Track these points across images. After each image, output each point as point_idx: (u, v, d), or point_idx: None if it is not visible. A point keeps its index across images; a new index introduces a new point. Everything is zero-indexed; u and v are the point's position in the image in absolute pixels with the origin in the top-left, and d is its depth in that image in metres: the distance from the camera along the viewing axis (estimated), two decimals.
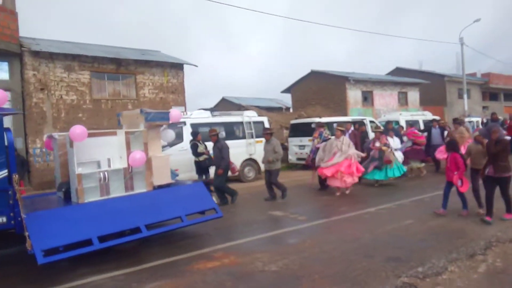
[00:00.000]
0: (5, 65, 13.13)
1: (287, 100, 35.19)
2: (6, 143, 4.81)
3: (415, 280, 4.10)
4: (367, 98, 25.37)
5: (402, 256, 4.83)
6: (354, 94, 24.42)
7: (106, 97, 14.89)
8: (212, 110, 16.47)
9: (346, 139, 9.65)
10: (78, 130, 5.21)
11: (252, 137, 13.29)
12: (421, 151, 12.41)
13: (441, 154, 11.19)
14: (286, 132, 19.72)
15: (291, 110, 32.09)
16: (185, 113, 13.64)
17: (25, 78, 13.22)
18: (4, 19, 12.54)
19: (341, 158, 9.33)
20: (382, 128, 11.85)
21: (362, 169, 9.69)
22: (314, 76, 26.39)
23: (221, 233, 6.58)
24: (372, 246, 5.29)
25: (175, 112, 6.54)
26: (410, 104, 27.29)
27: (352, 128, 12.41)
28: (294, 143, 15.94)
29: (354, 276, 4.25)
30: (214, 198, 6.35)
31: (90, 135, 5.43)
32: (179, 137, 11.91)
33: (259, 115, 14.70)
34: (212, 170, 11.21)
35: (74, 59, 14.02)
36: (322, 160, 9.62)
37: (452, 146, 6.98)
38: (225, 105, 34.46)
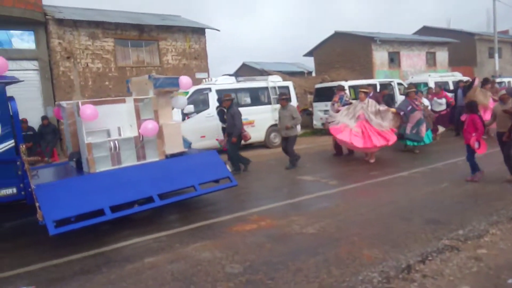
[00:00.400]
0: (31, 34, 13.23)
1: (309, 63, 34.48)
2: (11, 113, 4.70)
3: (456, 243, 4.08)
4: (393, 60, 24.55)
5: (441, 218, 4.80)
6: (380, 56, 23.65)
7: (130, 64, 14.93)
8: (234, 75, 16.34)
9: (371, 101, 9.17)
10: (88, 110, 4.98)
11: (277, 102, 13.15)
12: (445, 116, 12.03)
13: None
14: (310, 97, 19.44)
15: (313, 74, 31.50)
16: (209, 79, 13.59)
17: (51, 47, 13.32)
18: None
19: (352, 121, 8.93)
20: (415, 88, 11.38)
21: (392, 138, 8.95)
22: (338, 38, 25.58)
23: (253, 197, 6.68)
24: (409, 209, 5.27)
25: (185, 79, 6.28)
26: (439, 64, 26.30)
27: (372, 92, 11.28)
28: (319, 108, 15.71)
29: (394, 238, 4.26)
30: (228, 167, 6.21)
31: (98, 103, 5.30)
32: (205, 104, 11.94)
33: (283, 80, 14.50)
34: None
35: (97, 27, 14.00)
36: (338, 123, 9.13)
37: (471, 107, 6.63)
38: (245, 70, 34.09)
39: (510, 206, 5.12)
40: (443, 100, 11.93)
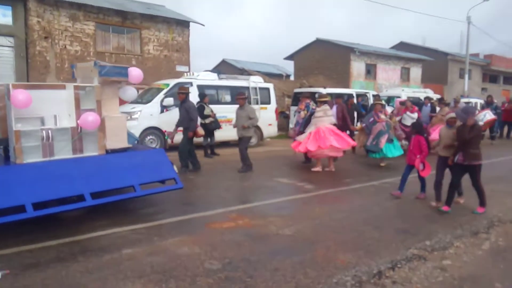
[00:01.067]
0: (8, 10, 12.78)
1: (288, 67, 34.89)
2: None
3: (423, 253, 4.33)
4: (370, 71, 25.30)
5: (410, 229, 5.06)
6: (358, 66, 24.31)
7: (110, 50, 14.66)
8: (213, 71, 16.37)
9: (325, 108, 8.99)
10: (20, 96, 4.45)
11: (257, 103, 13.30)
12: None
13: (435, 134, 11.17)
14: (288, 100, 19.71)
15: (291, 78, 31.89)
16: (190, 73, 13.54)
17: (29, 25, 12.90)
18: None
19: (312, 128, 8.87)
20: (383, 101, 11.68)
21: (349, 143, 9.06)
22: (319, 45, 26.09)
23: (232, 196, 6.78)
24: (380, 217, 5.52)
25: (136, 71, 5.75)
26: (412, 80, 27.32)
27: (340, 101, 11.22)
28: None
29: (366, 245, 4.46)
30: (175, 167, 5.81)
31: (34, 87, 4.87)
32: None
33: (264, 81, 14.66)
34: (217, 133, 11.34)
35: (79, 8, 13.67)
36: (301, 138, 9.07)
37: (417, 128, 6.66)
38: (225, 67, 34.01)
39: (473, 222, 5.47)
40: (415, 115, 12.21)
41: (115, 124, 5.50)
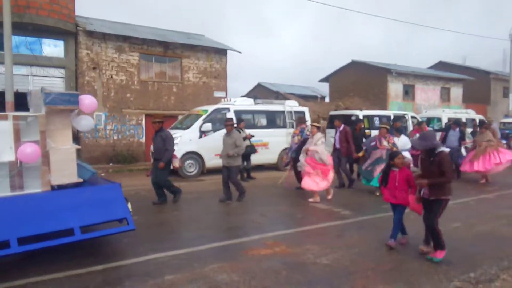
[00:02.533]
0: (61, 43, 13.79)
1: (323, 88, 34.94)
2: None
3: (467, 285, 4.20)
4: (408, 92, 24.85)
5: (453, 259, 4.91)
6: (395, 87, 23.96)
7: (152, 78, 15.39)
8: (249, 95, 16.74)
9: (318, 136, 8.44)
10: None
11: (293, 126, 13.42)
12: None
13: (469, 166, 10.70)
14: (323, 122, 19.71)
15: (326, 100, 31.87)
16: (227, 98, 13.96)
17: (79, 57, 13.85)
18: None
19: (303, 158, 8.44)
20: (388, 125, 10.34)
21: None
22: (355, 66, 26.03)
23: (268, 221, 6.84)
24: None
25: (88, 99, 5.33)
26: (453, 100, 26.52)
27: (343, 125, 10.39)
28: (331, 134, 15.93)
29: (407, 276, 4.38)
30: (129, 206, 5.26)
31: None
32: (222, 123, 12.19)
33: (299, 105, 14.82)
34: (254, 157, 11.52)
35: (125, 40, 14.54)
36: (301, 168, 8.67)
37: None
38: (260, 90, 34.60)
39: None
40: None
41: (62, 157, 4.99)
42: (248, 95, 27.60)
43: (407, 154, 9.58)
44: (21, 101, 13.00)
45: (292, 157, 9.61)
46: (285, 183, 10.07)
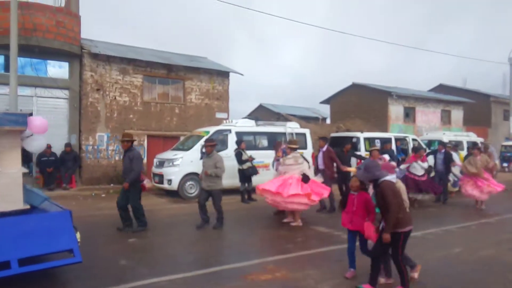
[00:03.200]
0: (66, 65, 14.01)
1: (324, 110, 35.15)
2: None
3: None
4: (408, 115, 24.98)
5: (454, 286, 4.86)
6: (396, 110, 24.11)
7: (155, 100, 15.56)
8: (250, 116, 16.86)
9: (296, 155, 8.31)
10: None
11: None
12: (425, 181, 10.55)
13: (468, 187, 10.45)
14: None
15: (327, 121, 32.03)
16: (228, 120, 14.06)
17: (83, 79, 14.05)
18: (69, 22, 13.44)
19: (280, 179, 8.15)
20: (377, 147, 10.56)
21: (318, 193, 8.18)
22: (355, 89, 26.28)
23: (269, 245, 6.80)
24: (422, 272, 5.31)
25: (39, 121, 5.15)
26: (453, 123, 26.61)
27: (326, 145, 10.26)
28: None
29: None
30: (78, 235, 4.82)
31: None
32: (224, 144, 12.30)
33: (301, 127, 14.89)
34: (255, 178, 11.51)
35: (129, 63, 14.77)
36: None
37: (363, 183, 4.99)
38: (262, 111, 34.81)
39: None
40: (426, 164, 10.77)
41: (6, 181, 4.69)
42: (250, 116, 27.77)
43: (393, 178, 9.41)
44: None
45: None
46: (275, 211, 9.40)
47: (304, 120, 26.66)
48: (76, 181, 13.47)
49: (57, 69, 13.91)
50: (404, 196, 4.91)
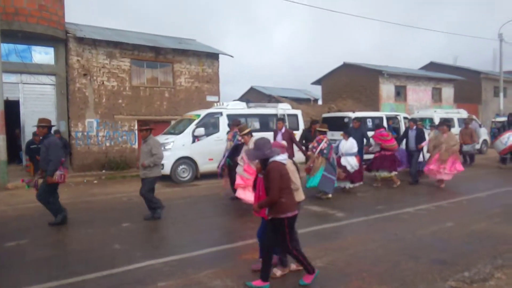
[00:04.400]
0: (51, 51, 13.68)
1: (315, 91, 35.07)
2: None
3: (462, 285, 4.18)
4: (400, 93, 25.00)
5: (447, 259, 4.91)
6: (387, 89, 24.09)
7: (144, 84, 15.32)
8: (241, 99, 16.74)
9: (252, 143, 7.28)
10: None
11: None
12: (391, 157, 10.21)
13: (432, 167, 9.83)
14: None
15: (319, 102, 31.97)
16: (219, 103, 13.91)
17: (70, 64, 13.75)
18: (52, 5, 13.05)
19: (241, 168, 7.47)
20: (326, 127, 9.12)
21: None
22: (346, 69, 26.15)
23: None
24: (416, 247, 5.38)
25: None
26: (444, 101, 26.71)
27: (284, 128, 9.91)
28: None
29: (402, 276, 4.36)
30: None
31: None
32: (215, 127, 12.22)
33: (292, 108, 14.82)
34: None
35: (115, 47, 14.46)
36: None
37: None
38: (253, 94, 34.64)
39: None
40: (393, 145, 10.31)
41: None
42: (241, 99, 27.57)
43: (352, 159, 9.25)
44: (12, 110, 12.90)
45: (226, 165, 8.56)
46: (222, 193, 9.26)
47: (296, 101, 26.55)
48: (67, 168, 13.31)
49: (43, 55, 13.59)
50: (295, 178, 4.42)
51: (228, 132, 9.46)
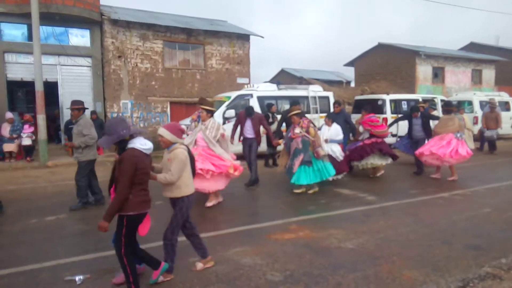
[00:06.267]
0: (87, 33, 14.03)
1: (348, 73, 34.28)
2: None
3: (499, 271, 4.05)
4: (437, 75, 24.02)
5: (483, 245, 4.75)
6: (424, 70, 23.20)
7: (176, 66, 15.49)
8: (272, 81, 16.62)
9: (213, 122, 6.68)
10: None
11: (317, 112, 13.25)
12: (381, 144, 8.98)
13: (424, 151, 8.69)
14: (348, 108, 19.36)
15: (352, 84, 31.27)
16: (250, 85, 13.88)
17: (105, 46, 14.07)
18: None
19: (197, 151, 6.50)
20: (300, 110, 7.86)
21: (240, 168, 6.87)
22: (381, 50, 25.33)
23: (291, 207, 6.81)
24: (450, 232, 5.23)
25: None
26: (485, 83, 25.45)
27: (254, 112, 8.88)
28: (356, 119, 15.63)
29: (435, 261, 4.27)
30: None
31: None
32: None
33: (324, 90, 14.57)
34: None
35: (148, 29, 14.65)
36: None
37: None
38: (284, 76, 34.28)
39: None
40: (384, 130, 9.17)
41: None
42: (272, 81, 27.40)
43: (336, 147, 8.38)
44: (50, 90, 13.41)
45: None
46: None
47: (328, 84, 26.09)
48: (104, 148, 13.79)
49: (79, 37, 13.99)
50: (188, 170, 3.89)
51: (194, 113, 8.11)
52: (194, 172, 4.08)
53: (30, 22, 11.23)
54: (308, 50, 79.05)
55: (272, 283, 3.81)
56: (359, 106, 15.76)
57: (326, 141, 8.13)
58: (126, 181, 3.28)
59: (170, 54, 15.43)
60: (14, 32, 13.20)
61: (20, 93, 15.21)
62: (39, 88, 11.22)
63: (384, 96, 14.91)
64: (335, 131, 8.42)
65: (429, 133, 9.49)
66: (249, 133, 8.63)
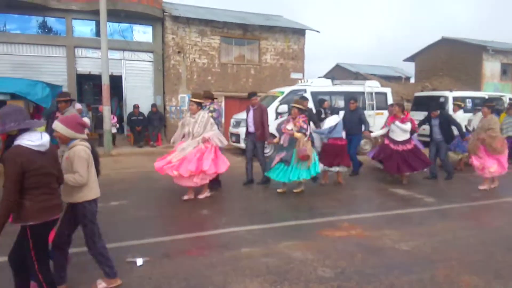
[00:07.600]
0: (149, 29, 14.70)
1: (408, 69, 32.82)
2: None
3: None
4: (506, 72, 22.31)
5: None
6: (491, 66, 21.65)
7: (232, 61, 15.78)
8: (326, 76, 16.34)
9: (204, 115, 6.66)
10: None
11: (373, 108, 12.88)
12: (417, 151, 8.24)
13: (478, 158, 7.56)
14: (407, 105, 18.57)
15: (411, 80, 29.91)
16: (303, 80, 13.79)
17: (166, 41, 14.67)
18: None
19: (190, 147, 6.52)
20: (301, 104, 7.32)
21: (226, 163, 6.89)
22: (445, 44, 23.96)
23: (344, 205, 6.73)
24: (494, 243, 4.88)
25: None
26: None
27: (258, 103, 8.23)
28: (417, 117, 14.95)
29: (497, 268, 4.03)
30: None
31: None
32: None
33: (381, 86, 14.11)
34: None
35: (207, 24, 15.05)
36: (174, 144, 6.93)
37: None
38: (339, 71, 33.55)
39: None
40: (408, 126, 8.09)
41: None
42: (326, 76, 26.98)
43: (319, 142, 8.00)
44: (116, 84, 14.26)
45: None
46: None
47: (386, 79, 25.17)
48: (162, 139, 14.45)
49: (142, 33, 14.69)
50: (89, 168, 3.41)
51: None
52: (98, 173, 3.68)
53: (98, 19, 11.99)
54: (365, 45, 76.64)
55: (323, 278, 3.81)
56: (418, 103, 15.10)
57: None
58: (10, 186, 2.72)
59: (227, 50, 15.74)
60: (84, 28, 14.16)
61: (87, 86, 16.31)
62: (105, 82, 11.96)
63: (446, 93, 14.14)
64: (329, 121, 7.95)
65: (449, 137, 8.47)
66: (251, 127, 8.08)
